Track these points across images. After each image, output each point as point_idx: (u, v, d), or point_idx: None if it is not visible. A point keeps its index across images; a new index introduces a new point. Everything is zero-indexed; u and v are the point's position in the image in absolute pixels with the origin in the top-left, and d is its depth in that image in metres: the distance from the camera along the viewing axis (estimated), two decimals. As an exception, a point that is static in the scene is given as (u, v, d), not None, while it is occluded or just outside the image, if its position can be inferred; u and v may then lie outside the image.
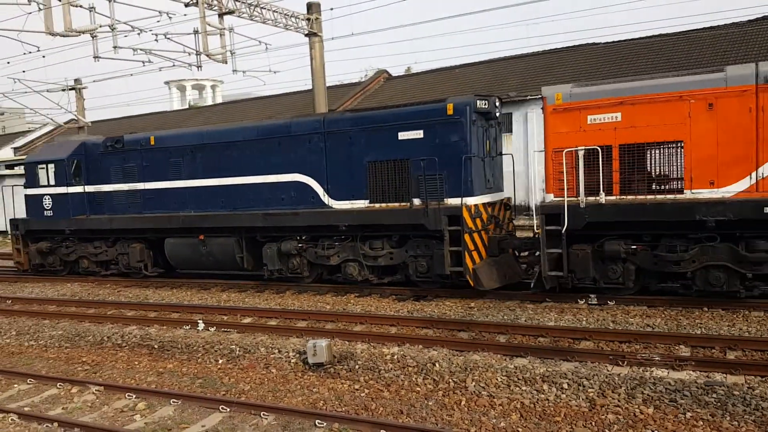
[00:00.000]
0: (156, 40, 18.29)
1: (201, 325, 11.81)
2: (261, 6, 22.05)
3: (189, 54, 18.72)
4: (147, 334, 11.51)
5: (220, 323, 11.93)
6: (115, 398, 8.70)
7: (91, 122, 28.83)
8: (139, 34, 17.66)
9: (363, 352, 9.60)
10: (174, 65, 19.04)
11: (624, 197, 11.13)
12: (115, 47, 16.73)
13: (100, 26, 16.24)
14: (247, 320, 12.34)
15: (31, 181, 18.36)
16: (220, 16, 20.59)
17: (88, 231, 17.64)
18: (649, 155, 11.06)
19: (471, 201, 12.32)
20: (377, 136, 13.29)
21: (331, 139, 13.89)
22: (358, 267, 13.75)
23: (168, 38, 18.40)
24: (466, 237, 12.11)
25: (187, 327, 11.83)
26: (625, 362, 8.27)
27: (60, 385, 9.33)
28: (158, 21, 17.43)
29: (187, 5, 19.04)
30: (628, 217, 10.93)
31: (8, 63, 24.88)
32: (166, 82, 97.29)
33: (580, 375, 7.85)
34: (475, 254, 12.30)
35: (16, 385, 9.55)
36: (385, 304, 12.99)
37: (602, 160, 11.06)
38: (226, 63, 20.14)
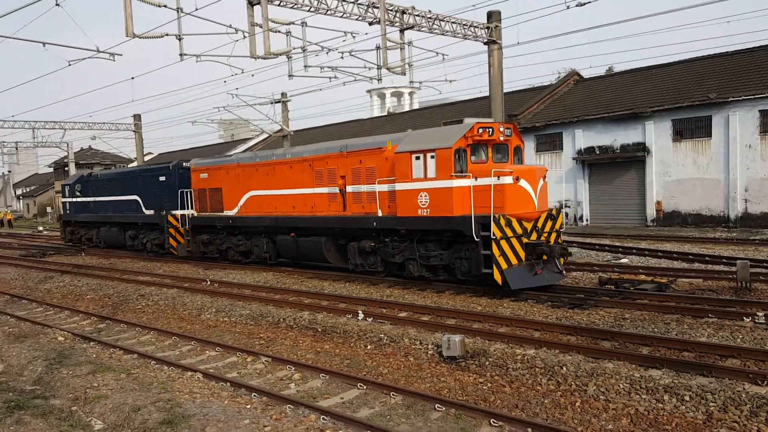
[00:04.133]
0: (342, 57, 20.23)
1: (361, 315, 13.12)
2: (440, 19, 23.19)
3: (369, 69, 20.39)
4: (314, 319, 13.10)
5: (378, 315, 13.11)
6: (278, 369, 10.25)
7: (294, 131, 32.19)
8: (327, 53, 19.73)
9: (496, 350, 10.11)
10: (355, 80, 20.90)
11: (209, 213, 22.75)
12: (305, 66, 18.95)
13: (294, 48, 18.48)
14: (403, 314, 13.37)
15: (63, 194, 33.85)
16: (402, 31, 22.08)
17: (81, 222, 32.43)
18: (219, 194, 22.30)
19: (178, 212, 23.81)
20: (155, 177, 25.69)
21: (144, 178, 26.64)
22: (151, 245, 26.51)
23: (352, 55, 20.24)
24: (171, 230, 24.12)
25: (349, 316, 13.21)
26: (765, 382, 7.86)
27: (239, 354, 11.15)
28: (344, 40, 19.30)
29: (371, 24, 20.79)
30: (200, 222, 23.14)
31: (225, 82, 28.98)
32: (368, 91, 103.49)
33: (705, 389, 7.67)
34: (179, 237, 24.07)
35: (207, 352, 11.59)
36: (536, 310, 13.29)
37: (203, 195, 23.11)
38: (405, 75, 21.52)
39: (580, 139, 34.07)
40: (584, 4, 16.52)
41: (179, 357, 11.34)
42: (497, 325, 12.16)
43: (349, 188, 17.28)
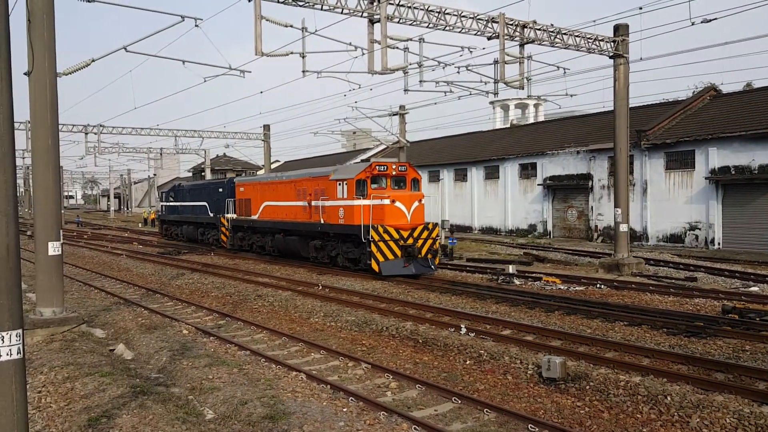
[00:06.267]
0: (458, 72, 20.41)
1: (463, 330, 13.19)
2: (563, 32, 22.73)
3: (485, 83, 20.39)
4: (416, 330, 13.33)
5: (482, 331, 13.13)
6: (377, 376, 10.58)
7: (410, 142, 32.74)
8: (443, 67, 19.97)
9: (599, 375, 9.83)
10: (470, 94, 20.95)
11: (243, 217, 30.71)
12: (420, 81, 19.34)
13: (410, 64, 18.91)
14: (507, 332, 13.30)
15: (161, 198, 44.20)
16: (521, 45, 21.87)
17: (171, 221, 42.22)
18: (249, 203, 30.01)
19: (228, 216, 32.01)
20: (216, 188, 34.05)
21: (210, 189, 35.14)
22: (212, 239, 34.87)
23: (469, 70, 20.35)
24: (222, 228, 32.38)
25: (451, 330, 13.32)
26: None
27: (341, 359, 11.61)
28: (461, 55, 19.47)
29: (489, 38, 20.79)
30: (237, 223, 31.48)
31: (345, 95, 30.14)
32: (491, 102, 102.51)
33: (825, 436, 7.07)
34: (228, 233, 32.16)
35: (312, 354, 12.16)
36: (649, 336, 12.81)
37: (240, 203, 31.07)
38: (523, 89, 21.31)
39: (714, 157, 31.91)
40: (710, 20, 15.58)
41: (287, 357, 11.98)
42: (604, 350, 11.81)
43: (313, 203, 24.27)
